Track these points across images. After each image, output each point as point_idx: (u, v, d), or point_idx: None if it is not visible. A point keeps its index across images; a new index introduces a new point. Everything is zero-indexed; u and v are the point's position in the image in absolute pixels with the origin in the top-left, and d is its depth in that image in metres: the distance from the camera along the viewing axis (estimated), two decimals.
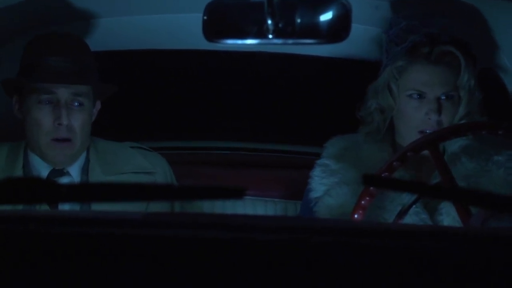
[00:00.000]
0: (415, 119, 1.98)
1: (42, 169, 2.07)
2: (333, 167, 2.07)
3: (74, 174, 2.08)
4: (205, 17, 1.29)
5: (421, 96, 1.97)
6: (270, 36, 1.23)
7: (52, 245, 0.96)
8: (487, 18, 2.09)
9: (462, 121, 2.00)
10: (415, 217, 1.89)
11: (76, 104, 2.03)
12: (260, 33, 1.24)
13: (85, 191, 1.09)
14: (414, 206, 1.87)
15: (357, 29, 1.70)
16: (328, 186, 2.04)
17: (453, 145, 2.03)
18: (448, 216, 1.89)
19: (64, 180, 2.07)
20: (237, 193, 1.02)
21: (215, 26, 1.30)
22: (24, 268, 0.92)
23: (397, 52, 2.00)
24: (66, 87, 2.01)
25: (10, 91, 2.09)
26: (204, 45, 1.44)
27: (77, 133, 2.03)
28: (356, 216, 1.79)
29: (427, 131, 1.96)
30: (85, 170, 2.09)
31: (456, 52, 1.96)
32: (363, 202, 1.79)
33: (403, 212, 1.82)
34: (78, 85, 2.03)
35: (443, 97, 1.97)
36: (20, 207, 1.71)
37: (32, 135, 2.03)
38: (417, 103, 1.98)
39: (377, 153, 2.04)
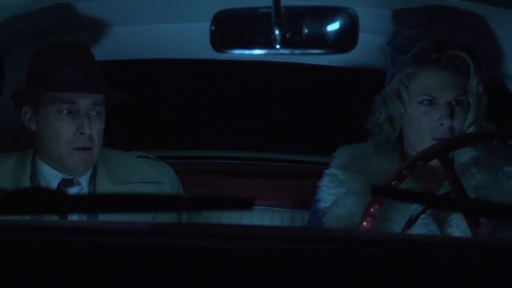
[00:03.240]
0: (427, 126, 1.97)
1: (52, 179, 2.07)
2: (341, 177, 2.06)
3: (83, 184, 2.08)
4: (212, 27, 1.29)
5: (432, 102, 1.96)
6: (278, 46, 1.23)
7: (60, 255, 0.96)
8: (491, 26, 2.09)
9: (471, 128, 1.99)
10: (424, 228, 1.88)
11: (94, 113, 2.04)
12: (268, 43, 1.24)
13: (93, 202, 1.10)
14: (423, 217, 1.86)
15: (364, 38, 1.69)
16: (336, 197, 2.03)
17: (463, 156, 2.02)
18: (458, 228, 1.88)
19: (74, 189, 2.07)
20: (246, 204, 1.02)
21: (223, 36, 1.30)
22: (32, 278, 0.92)
23: (405, 60, 1.99)
24: (86, 96, 2.03)
25: (21, 101, 2.08)
26: (212, 54, 1.44)
27: (95, 141, 2.05)
28: (365, 224, 1.78)
29: (442, 137, 1.95)
30: (92, 180, 2.09)
31: (465, 57, 1.96)
32: (372, 210, 1.78)
33: (411, 222, 1.81)
34: (96, 94, 2.04)
35: (454, 102, 1.96)
36: (27, 217, 1.71)
37: (50, 144, 2.04)
38: (428, 109, 1.97)
39: (386, 163, 2.03)
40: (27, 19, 2.05)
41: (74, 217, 1.98)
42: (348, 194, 2.02)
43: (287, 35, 1.22)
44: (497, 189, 1.94)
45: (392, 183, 1.78)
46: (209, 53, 1.39)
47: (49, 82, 2.01)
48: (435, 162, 1.81)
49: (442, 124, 1.95)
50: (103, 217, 1.92)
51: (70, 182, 2.07)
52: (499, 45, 2.13)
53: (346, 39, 1.25)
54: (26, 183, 2.05)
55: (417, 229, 1.84)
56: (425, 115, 1.97)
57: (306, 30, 1.23)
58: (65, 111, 2.02)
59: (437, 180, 1.99)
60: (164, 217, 2.02)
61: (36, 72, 2.05)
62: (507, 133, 1.84)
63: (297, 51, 1.26)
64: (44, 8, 2.03)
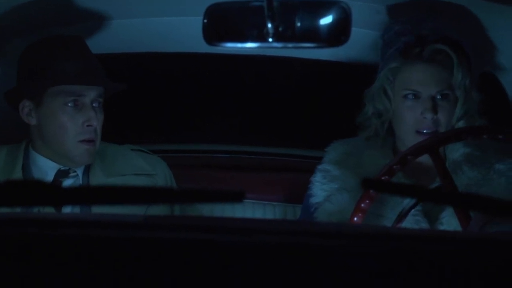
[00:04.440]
0: (411, 120, 1.98)
1: (49, 170, 2.08)
2: (334, 172, 2.06)
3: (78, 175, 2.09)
4: (205, 21, 1.29)
5: (416, 96, 1.98)
6: (270, 39, 1.23)
7: (52, 248, 0.96)
8: (485, 21, 2.09)
9: (460, 121, 2.00)
10: (415, 225, 1.89)
11: (96, 105, 2.05)
12: (260, 37, 1.24)
13: (87, 194, 1.10)
14: (414, 214, 1.87)
15: (357, 33, 1.70)
16: (329, 192, 2.04)
17: (455, 153, 2.02)
18: (449, 226, 1.88)
19: (69, 181, 2.08)
20: (237, 197, 1.02)
21: (215, 29, 1.30)
22: (24, 270, 0.92)
23: (390, 54, 2.01)
24: (92, 89, 2.04)
25: (19, 96, 2.08)
26: (204, 48, 1.44)
27: (98, 133, 2.07)
28: (355, 219, 1.79)
29: (424, 130, 1.96)
30: (86, 171, 2.10)
31: (448, 50, 1.96)
32: (362, 205, 1.79)
33: (402, 216, 1.81)
34: (100, 86, 2.05)
35: (438, 96, 1.97)
36: (18, 209, 1.71)
37: (56, 137, 2.04)
38: (412, 103, 1.98)
39: (378, 159, 2.04)
40: (22, 12, 2.04)
41: (67, 209, 1.99)
42: (341, 190, 2.02)
43: (280, 29, 1.22)
44: (488, 186, 1.95)
45: (383, 178, 1.79)
46: (202, 47, 1.39)
47: (54, 76, 2.01)
48: (426, 158, 1.82)
49: (425, 117, 1.96)
50: (96, 209, 1.92)
51: (66, 173, 2.08)
52: (492, 39, 2.13)
53: (339, 33, 1.25)
54: (17, 174, 2.05)
55: (408, 226, 1.85)
56: (409, 109, 1.99)
57: (298, 24, 1.23)
58: (70, 104, 2.02)
59: (428, 176, 1.99)
60: (157, 210, 2.03)
61: (37, 66, 2.04)
62: (497, 128, 1.84)
63: (289, 45, 1.26)
64: (40, 1, 2.02)
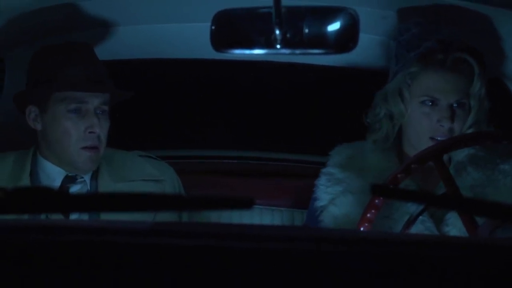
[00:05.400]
0: (426, 126, 1.97)
1: (56, 176, 2.08)
2: (338, 175, 2.06)
3: (85, 181, 2.09)
4: (213, 27, 1.29)
5: (433, 103, 1.97)
6: (278, 46, 1.23)
7: (60, 254, 0.96)
8: (494, 27, 2.09)
9: (470, 130, 1.99)
10: (421, 225, 1.89)
11: (100, 112, 2.05)
12: (268, 43, 1.24)
13: (95, 201, 1.10)
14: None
15: (364, 38, 1.70)
16: (333, 195, 2.03)
17: (459, 155, 2.02)
18: (455, 227, 1.88)
19: (77, 186, 2.08)
20: (246, 204, 1.02)
21: (223, 36, 1.30)
22: (32, 277, 0.92)
23: (410, 58, 1.98)
24: (96, 96, 2.04)
25: (26, 101, 2.08)
26: (212, 54, 1.44)
27: (102, 140, 2.07)
28: (362, 229, 1.78)
29: (438, 138, 1.95)
30: (94, 177, 2.10)
31: (471, 60, 1.95)
32: (369, 215, 1.78)
33: (410, 222, 1.81)
34: (105, 93, 2.05)
35: (455, 105, 1.96)
36: (25, 216, 1.71)
37: (59, 144, 2.04)
38: (429, 110, 1.97)
39: (382, 162, 2.04)
40: (30, 18, 2.05)
41: (75, 216, 1.99)
42: (345, 193, 2.02)
43: (288, 35, 1.22)
44: (493, 187, 1.95)
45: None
46: (210, 53, 1.39)
47: (59, 82, 2.01)
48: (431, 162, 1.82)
49: (442, 126, 1.95)
50: (104, 216, 1.92)
51: (73, 179, 2.08)
52: (501, 46, 2.13)
53: (347, 39, 1.25)
54: (25, 181, 2.06)
55: (414, 226, 1.84)
56: (425, 115, 1.97)
57: (306, 30, 1.23)
58: (74, 111, 2.02)
59: (433, 178, 1.99)
60: (165, 216, 2.03)
61: (43, 72, 2.05)
62: (502, 134, 1.84)
63: (297, 51, 1.26)
64: (48, 8, 2.03)
